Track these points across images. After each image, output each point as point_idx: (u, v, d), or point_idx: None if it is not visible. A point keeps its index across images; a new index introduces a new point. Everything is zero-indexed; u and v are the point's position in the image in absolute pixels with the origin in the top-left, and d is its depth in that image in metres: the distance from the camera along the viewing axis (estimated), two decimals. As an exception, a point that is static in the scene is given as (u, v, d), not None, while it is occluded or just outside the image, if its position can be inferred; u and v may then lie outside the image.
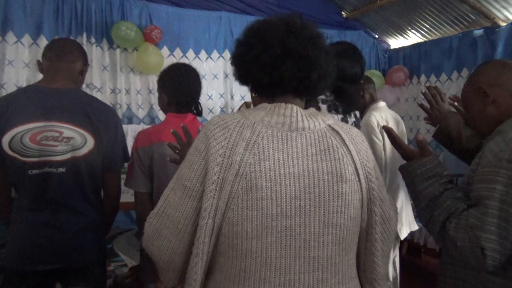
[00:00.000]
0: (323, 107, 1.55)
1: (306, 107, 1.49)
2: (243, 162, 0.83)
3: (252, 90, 0.99)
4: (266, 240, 0.83)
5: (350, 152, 0.89)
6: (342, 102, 1.61)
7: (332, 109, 1.57)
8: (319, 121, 0.91)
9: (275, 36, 0.88)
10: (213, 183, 0.83)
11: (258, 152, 0.84)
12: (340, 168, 0.87)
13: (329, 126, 0.92)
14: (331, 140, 0.89)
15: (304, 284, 0.85)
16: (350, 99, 1.61)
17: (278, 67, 0.87)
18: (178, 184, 0.89)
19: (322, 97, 1.56)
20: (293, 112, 0.89)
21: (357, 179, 0.89)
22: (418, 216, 1.25)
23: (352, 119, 1.66)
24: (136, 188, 1.64)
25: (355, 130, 0.97)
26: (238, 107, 4.01)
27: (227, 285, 0.88)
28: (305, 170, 0.85)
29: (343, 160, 0.88)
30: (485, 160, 1.09)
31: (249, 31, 0.93)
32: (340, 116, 1.60)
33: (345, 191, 0.86)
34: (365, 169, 0.91)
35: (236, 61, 0.95)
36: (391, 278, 2.54)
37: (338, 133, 0.91)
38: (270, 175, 0.83)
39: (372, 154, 0.98)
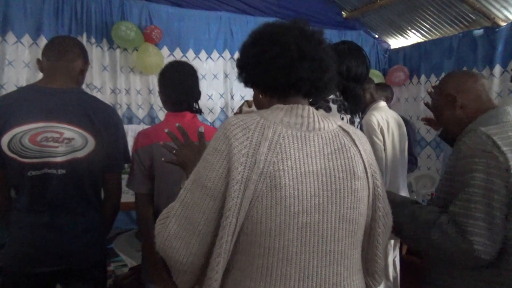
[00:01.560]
0: (334, 107, 1.55)
1: (316, 108, 1.50)
2: (267, 161, 0.85)
3: (263, 91, 1.00)
4: (288, 236, 0.87)
5: (360, 151, 0.96)
6: (349, 102, 1.61)
7: (342, 109, 1.58)
8: (332, 122, 0.97)
9: (291, 40, 0.92)
10: (237, 182, 0.84)
11: (280, 152, 0.87)
12: (353, 166, 0.93)
13: (340, 126, 0.98)
14: (343, 140, 0.95)
15: (321, 277, 0.90)
16: (357, 99, 1.62)
17: (295, 69, 0.92)
18: (196, 184, 0.89)
19: (332, 97, 1.56)
20: (310, 113, 0.94)
21: (365, 176, 0.95)
22: (407, 244, 1.32)
23: (358, 119, 1.67)
24: (136, 189, 1.63)
25: (359, 131, 1.03)
26: (238, 107, 4.01)
27: (247, 283, 0.89)
28: (322, 168, 0.90)
29: (354, 159, 0.94)
30: (462, 154, 1.19)
31: (261, 34, 0.96)
32: (348, 117, 1.60)
33: (357, 188, 0.93)
34: (371, 168, 0.97)
35: (247, 64, 0.97)
36: (391, 278, 2.54)
37: (348, 133, 0.97)
38: (292, 174, 0.86)
39: (373, 154, 1.04)
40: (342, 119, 1.57)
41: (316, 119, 0.94)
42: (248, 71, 0.98)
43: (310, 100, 1.03)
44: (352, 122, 1.62)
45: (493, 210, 1.11)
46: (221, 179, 0.86)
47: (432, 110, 1.48)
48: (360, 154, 0.95)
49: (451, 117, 1.36)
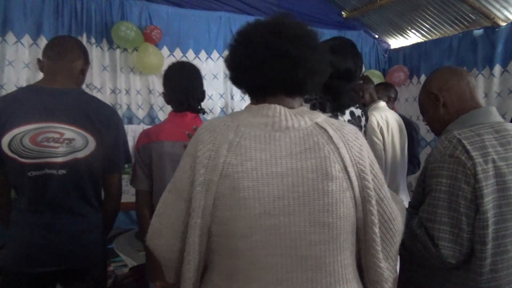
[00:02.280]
0: (306, 106, 1.53)
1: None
2: (227, 163, 0.85)
3: (246, 92, 1.00)
4: (252, 239, 0.84)
5: (338, 149, 0.88)
6: (331, 100, 1.57)
7: (317, 107, 1.54)
8: (305, 120, 0.91)
9: (259, 39, 0.89)
10: (199, 184, 0.85)
11: (241, 153, 0.85)
12: (326, 166, 0.86)
13: (316, 124, 0.91)
14: (317, 138, 0.89)
15: (293, 283, 0.85)
16: (339, 96, 1.58)
17: (263, 69, 0.88)
18: (173, 186, 0.93)
19: (306, 96, 1.54)
20: (276, 112, 0.90)
21: (346, 176, 0.87)
22: None
23: (345, 118, 1.61)
24: (136, 186, 1.65)
25: (350, 127, 0.95)
26: (238, 107, 4.01)
27: (219, 283, 0.90)
28: (289, 169, 0.85)
29: (329, 158, 0.87)
30: (432, 157, 1.21)
31: (235, 36, 0.95)
32: (328, 115, 1.56)
33: (332, 189, 0.85)
34: (357, 167, 0.89)
35: (228, 66, 0.98)
36: (391, 278, 2.54)
37: (326, 130, 0.90)
38: (253, 175, 0.84)
39: (369, 150, 0.96)
40: None
41: (284, 117, 0.89)
42: (230, 73, 0.98)
43: (304, 96, 1.01)
44: None
45: (459, 216, 1.11)
46: (189, 181, 0.88)
47: (419, 108, 1.46)
48: (339, 152, 0.88)
49: (434, 116, 1.34)
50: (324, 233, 0.86)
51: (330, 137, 0.89)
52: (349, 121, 1.62)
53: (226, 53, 4.14)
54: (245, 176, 0.84)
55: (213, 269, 0.92)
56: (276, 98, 0.93)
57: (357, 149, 0.91)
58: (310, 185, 0.85)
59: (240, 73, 0.93)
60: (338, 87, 1.55)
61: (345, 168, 0.88)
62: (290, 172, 0.85)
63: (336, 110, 1.58)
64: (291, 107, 0.93)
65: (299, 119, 0.91)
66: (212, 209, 0.85)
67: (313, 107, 1.53)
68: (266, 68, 0.88)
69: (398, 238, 0.98)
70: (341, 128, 0.93)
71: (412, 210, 1.28)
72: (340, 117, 1.59)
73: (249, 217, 0.84)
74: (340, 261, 0.89)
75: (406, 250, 1.20)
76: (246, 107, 0.95)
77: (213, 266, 0.92)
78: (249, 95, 0.99)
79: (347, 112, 1.63)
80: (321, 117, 0.94)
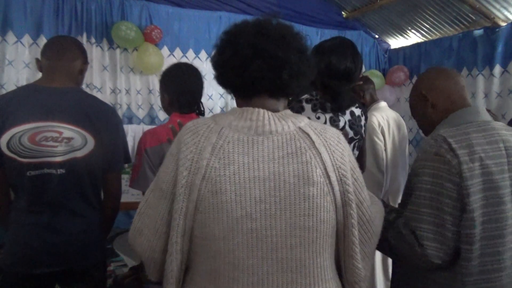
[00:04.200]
0: (308, 106, 1.52)
1: (290, 109, 1.49)
2: (209, 167, 0.86)
3: (232, 93, 1.01)
4: (233, 241, 0.86)
5: (320, 154, 0.89)
6: (331, 101, 1.57)
7: (318, 108, 1.53)
8: (289, 124, 0.92)
9: (245, 38, 0.90)
10: (182, 186, 0.86)
11: (224, 157, 0.86)
12: (307, 171, 0.87)
13: (300, 128, 0.92)
14: (299, 142, 0.89)
15: (273, 284, 0.87)
16: (339, 97, 1.57)
17: (247, 68, 0.89)
18: (156, 186, 0.94)
19: (306, 96, 1.54)
20: (259, 116, 0.90)
21: (327, 181, 0.89)
22: None
23: (346, 118, 1.61)
24: (145, 189, 1.63)
25: (332, 131, 0.96)
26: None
27: (201, 283, 0.91)
28: (271, 174, 0.86)
29: (311, 163, 0.88)
30: (417, 156, 1.20)
31: (223, 35, 0.96)
32: (328, 115, 1.56)
33: (313, 194, 0.87)
34: (338, 171, 0.91)
35: (212, 66, 0.98)
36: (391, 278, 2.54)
37: (308, 135, 0.91)
38: (234, 179, 0.85)
39: (351, 154, 0.98)
40: (318, 118, 1.53)
41: (267, 122, 0.90)
42: (215, 73, 0.98)
43: (288, 98, 1.01)
44: (334, 121, 1.57)
45: (443, 215, 1.09)
46: (171, 182, 0.89)
47: (410, 109, 1.45)
48: (320, 157, 0.89)
49: (424, 116, 1.34)
50: (304, 237, 0.87)
51: (312, 142, 0.90)
52: (349, 121, 1.62)
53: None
54: (227, 180, 0.85)
55: (195, 269, 0.93)
56: (260, 99, 0.93)
57: (339, 154, 0.93)
58: (292, 189, 0.87)
59: (226, 72, 0.93)
60: (338, 87, 1.55)
61: (326, 173, 0.89)
62: (272, 177, 0.86)
63: (336, 110, 1.58)
64: (275, 109, 0.94)
65: (282, 123, 0.91)
66: (194, 211, 0.86)
67: (314, 107, 1.53)
68: (251, 68, 0.88)
69: (375, 239, 1.01)
70: (323, 132, 0.94)
71: (396, 209, 1.28)
72: (340, 117, 1.59)
73: (230, 220, 0.85)
74: (319, 263, 0.91)
75: (392, 250, 1.19)
76: (230, 110, 0.95)
77: (195, 267, 0.93)
78: (234, 95, 1.00)
79: (348, 112, 1.63)
80: (305, 121, 0.95)
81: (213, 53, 0.99)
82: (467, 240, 1.09)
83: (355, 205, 0.93)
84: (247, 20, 0.95)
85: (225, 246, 0.86)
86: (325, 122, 1.55)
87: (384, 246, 1.20)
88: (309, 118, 1.52)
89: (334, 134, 0.96)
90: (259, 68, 0.88)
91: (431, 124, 1.32)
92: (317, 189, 0.87)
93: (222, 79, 0.97)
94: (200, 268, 0.92)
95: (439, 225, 1.09)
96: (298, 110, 1.52)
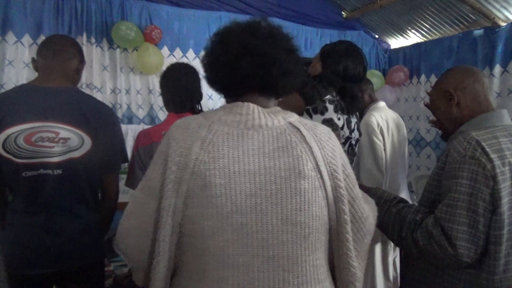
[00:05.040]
0: (330, 107, 1.55)
1: (313, 109, 1.49)
2: (198, 161, 0.84)
3: (222, 92, 1.01)
4: (223, 238, 0.83)
5: (311, 148, 0.89)
6: (346, 102, 1.60)
7: (338, 109, 1.57)
8: (279, 119, 0.92)
9: (235, 37, 0.90)
10: (170, 182, 0.84)
11: (213, 150, 0.85)
12: (298, 165, 0.86)
13: (290, 123, 0.92)
14: (290, 137, 0.89)
15: (264, 283, 0.84)
16: (354, 99, 1.61)
17: (237, 66, 0.89)
18: (144, 184, 0.92)
19: (329, 97, 1.56)
20: (249, 110, 0.90)
21: (318, 175, 0.88)
22: (392, 241, 1.35)
23: (354, 119, 1.66)
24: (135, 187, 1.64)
25: (322, 127, 0.96)
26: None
27: (188, 284, 0.89)
28: (261, 167, 0.85)
29: (302, 157, 0.87)
30: (450, 158, 1.19)
31: (213, 36, 0.96)
32: (345, 117, 1.60)
33: (304, 187, 0.86)
34: (329, 166, 0.90)
35: (203, 67, 0.99)
36: (391, 278, 2.54)
37: (298, 130, 0.91)
38: (224, 173, 0.83)
39: (342, 151, 0.97)
40: (339, 119, 1.56)
41: (257, 116, 0.89)
42: (205, 73, 0.99)
43: (277, 97, 1.01)
44: (349, 122, 1.61)
45: (477, 216, 1.12)
46: (160, 179, 0.87)
47: (430, 105, 1.45)
48: (311, 151, 0.89)
49: (447, 114, 1.34)
50: (296, 232, 0.85)
51: (303, 136, 0.90)
52: (356, 122, 1.67)
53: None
54: (216, 174, 0.83)
55: (182, 270, 0.91)
56: (251, 97, 0.93)
57: (330, 149, 0.92)
58: (282, 183, 0.85)
59: (216, 70, 0.93)
60: (352, 90, 1.60)
61: (317, 167, 0.88)
62: (262, 170, 0.85)
63: (350, 112, 1.62)
64: (266, 107, 0.94)
65: (272, 117, 0.91)
66: (183, 207, 0.84)
67: (335, 108, 1.56)
68: (241, 65, 0.89)
69: (368, 238, 0.99)
70: (314, 128, 0.94)
71: (421, 209, 1.28)
72: (352, 119, 1.63)
73: (220, 215, 0.83)
74: (312, 261, 0.89)
75: (420, 250, 1.20)
76: (221, 106, 0.95)
77: (182, 268, 0.91)
78: (224, 95, 1.00)
79: (354, 114, 1.67)
80: (295, 117, 0.95)
81: (203, 55, 0.99)
82: (496, 241, 1.13)
83: (347, 201, 0.92)
84: (237, 21, 0.95)
85: (214, 243, 0.83)
86: (344, 124, 1.58)
87: (410, 245, 1.22)
88: (331, 118, 1.54)
89: (324, 130, 0.96)
90: (249, 65, 0.89)
91: (452, 123, 1.33)
92: (308, 183, 0.86)
93: (212, 78, 0.97)
94: (188, 269, 0.89)
95: (472, 226, 1.12)
96: (322, 110, 1.54)
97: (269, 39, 0.90)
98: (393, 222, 1.28)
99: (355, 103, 1.62)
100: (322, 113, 1.52)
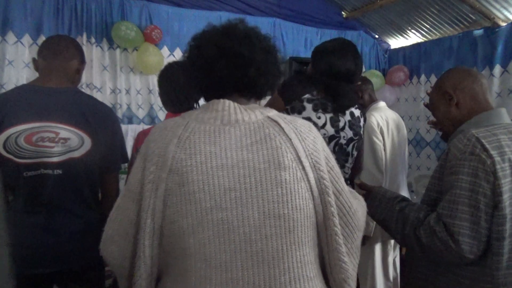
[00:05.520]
0: (308, 106, 1.53)
1: (290, 108, 1.49)
2: (175, 158, 0.84)
3: (203, 96, 1.01)
4: (203, 235, 0.81)
5: (291, 140, 0.88)
6: (332, 101, 1.58)
7: (319, 108, 1.54)
8: (256, 114, 0.91)
9: (210, 39, 0.91)
10: (149, 182, 0.84)
11: (189, 147, 0.84)
12: (278, 156, 0.85)
13: (268, 117, 0.92)
14: (268, 130, 0.88)
15: (249, 281, 0.81)
16: (340, 97, 1.58)
17: (213, 67, 0.90)
18: (126, 189, 0.92)
19: (307, 96, 1.54)
20: (225, 106, 0.90)
21: (300, 167, 0.87)
22: (394, 239, 1.36)
23: (346, 118, 1.62)
24: None
25: (302, 121, 0.96)
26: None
27: (172, 287, 0.86)
28: (239, 161, 0.84)
29: (281, 148, 0.86)
30: (451, 156, 1.21)
31: (190, 41, 0.97)
32: (329, 116, 1.56)
33: (285, 179, 0.84)
34: (311, 158, 0.89)
35: (182, 71, 1.00)
36: (391, 278, 2.54)
37: (277, 123, 0.90)
38: (201, 169, 0.83)
39: (324, 144, 0.96)
40: (319, 118, 1.53)
41: (233, 111, 0.89)
42: (185, 78, 1.01)
43: (259, 98, 1.01)
44: (335, 121, 1.57)
45: (478, 212, 1.13)
46: (139, 181, 0.87)
47: (429, 105, 1.47)
48: (291, 142, 0.87)
49: (446, 115, 1.36)
50: (280, 226, 0.83)
51: (281, 129, 0.89)
52: (349, 121, 1.62)
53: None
54: (194, 170, 0.82)
55: (166, 274, 0.89)
56: (231, 99, 0.93)
57: (311, 141, 0.91)
58: (262, 175, 0.84)
59: (194, 73, 0.94)
60: (338, 88, 1.56)
61: (298, 158, 0.87)
62: (240, 164, 0.84)
63: (337, 111, 1.59)
64: None
65: (249, 113, 0.91)
66: (162, 207, 0.83)
67: (315, 107, 1.54)
68: (217, 67, 0.89)
69: (358, 233, 0.97)
70: (293, 121, 0.93)
71: (424, 206, 1.30)
72: (341, 118, 1.60)
73: (199, 211, 0.81)
74: (299, 257, 0.86)
75: (423, 247, 1.21)
76: (199, 106, 0.96)
77: (166, 271, 0.89)
78: (205, 98, 1.00)
79: (348, 112, 1.63)
80: (273, 112, 0.95)
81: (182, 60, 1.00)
82: (498, 236, 1.14)
83: (332, 193, 0.90)
84: (214, 25, 0.96)
85: (195, 241, 0.81)
86: (325, 122, 1.55)
87: (413, 242, 1.24)
88: (309, 118, 1.52)
89: (304, 123, 0.95)
90: (224, 67, 0.89)
91: (452, 123, 1.35)
92: (289, 174, 0.84)
93: (192, 81, 0.98)
94: (172, 271, 0.87)
95: (474, 222, 1.14)
96: (300, 109, 1.52)
97: (245, 40, 0.91)
98: (396, 220, 1.29)
99: (341, 101, 1.58)
100: (300, 112, 1.51)
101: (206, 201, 0.82)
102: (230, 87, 0.93)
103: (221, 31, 0.93)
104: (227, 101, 0.91)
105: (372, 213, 1.39)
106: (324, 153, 0.93)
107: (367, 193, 1.45)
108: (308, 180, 0.87)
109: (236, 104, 0.91)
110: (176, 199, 0.82)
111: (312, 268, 0.89)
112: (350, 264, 0.92)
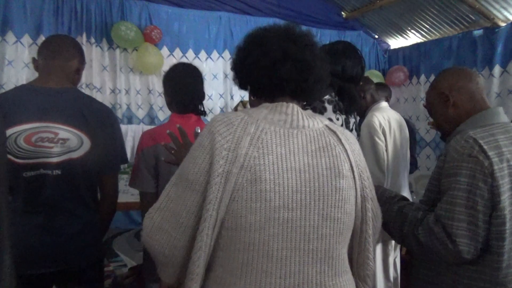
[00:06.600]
0: (329, 107, 1.54)
1: (312, 108, 1.50)
2: (248, 156, 0.86)
3: (252, 93, 1.03)
4: (269, 232, 0.86)
5: (346, 150, 0.95)
6: (345, 103, 1.60)
7: (337, 109, 1.57)
8: (317, 121, 0.97)
9: (275, 42, 0.93)
10: (218, 175, 0.85)
11: (262, 147, 0.88)
12: (338, 165, 0.92)
13: (326, 126, 0.97)
14: (329, 138, 0.94)
15: (304, 275, 0.89)
16: (352, 100, 1.61)
17: (277, 69, 0.92)
18: (180, 178, 0.92)
19: (328, 97, 1.56)
20: (294, 110, 0.94)
21: (352, 176, 0.94)
22: (393, 238, 1.36)
23: (353, 120, 1.66)
24: (143, 189, 1.63)
25: (348, 132, 1.03)
26: (234, 106, 4.01)
27: (228, 280, 0.89)
28: (306, 165, 0.89)
29: (340, 157, 0.93)
30: (449, 157, 1.22)
31: (249, 38, 0.99)
32: (344, 117, 1.59)
33: (342, 186, 0.91)
34: (358, 168, 0.97)
35: (237, 66, 1.01)
36: (391, 279, 2.54)
37: (335, 132, 0.97)
38: (273, 169, 0.87)
39: (363, 155, 1.03)
40: (337, 119, 1.56)
41: (300, 117, 0.94)
42: (238, 73, 1.01)
43: (304, 102, 1.05)
44: (347, 122, 1.61)
45: (476, 213, 1.14)
46: (203, 172, 0.88)
47: (426, 107, 1.47)
48: (347, 153, 0.94)
49: (443, 116, 1.36)
50: (334, 228, 0.91)
51: (339, 139, 0.96)
52: (354, 122, 1.66)
53: (226, 53, 4.15)
54: (266, 169, 0.86)
55: (219, 265, 0.91)
56: (282, 100, 0.96)
57: (357, 152, 0.99)
58: (324, 181, 0.90)
59: (253, 72, 0.95)
60: (350, 90, 1.60)
61: (351, 168, 0.95)
62: (306, 168, 0.89)
63: (348, 112, 1.62)
64: None
65: (312, 120, 0.96)
66: (228, 201, 0.86)
67: (334, 109, 1.56)
68: (282, 69, 0.92)
69: (377, 235, 1.07)
70: (344, 132, 1.00)
71: (423, 206, 1.30)
72: (350, 119, 1.63)
73: (267, 209, 0.85)
74: (342, 254, 0.95)
75: (421, 246, 1.22)
76: (261, 105, 0.97)
77: (219, 262, 0.91)
78: (257, 96, 1.02)
79: (353, 115, 1.67)
80: (327, 121, 1.01)
81: (234, 55, 1.02)
82: (498, 237, 1.15)
83: (370, 200, 0.99)
84: (272, 26, 0.99)
85: (260, 237, 0.86)
86: (342, 124, 1.58)
87: (411, 242, 1.25)
88: (330, 119, 1.54)
89: (351, 135, 1.02)
90: (289, 70, 0.93)
91: (450, 124, 1.35)
92: (346, 182, 0.92)
93: (247, 79, 1.00)
94: (227, 264, 0.90)
95: (471, 222, 1.14)
96: (321, 110, 1.54)
97: (308, 47, 0.95)
98: (394, 220, 1.30)
99: (354, 103, 1.62)
100: (321, 113, 1.52)
101: (275, 200, 0.86)
102: (287, 90, 0.96)
103: (285, 35, 0.95)
104: (294, 106, 0.95)
105: None
106: (364, 163, 1.00)
107: None
108: (356, 188, 0.95)
109: (300, 109, 0.96)
110: (246, 195, 0.85)
111: (347, 264, 0.99)
112: (374, 262, 1.02)
